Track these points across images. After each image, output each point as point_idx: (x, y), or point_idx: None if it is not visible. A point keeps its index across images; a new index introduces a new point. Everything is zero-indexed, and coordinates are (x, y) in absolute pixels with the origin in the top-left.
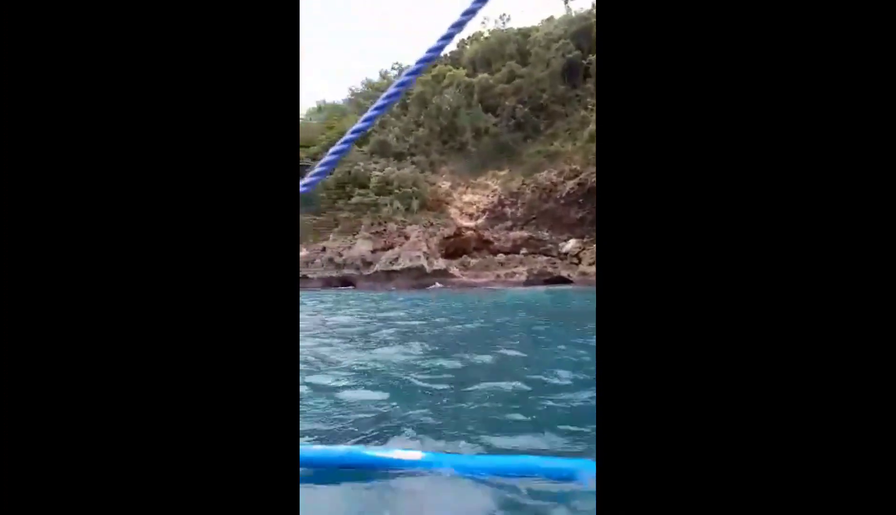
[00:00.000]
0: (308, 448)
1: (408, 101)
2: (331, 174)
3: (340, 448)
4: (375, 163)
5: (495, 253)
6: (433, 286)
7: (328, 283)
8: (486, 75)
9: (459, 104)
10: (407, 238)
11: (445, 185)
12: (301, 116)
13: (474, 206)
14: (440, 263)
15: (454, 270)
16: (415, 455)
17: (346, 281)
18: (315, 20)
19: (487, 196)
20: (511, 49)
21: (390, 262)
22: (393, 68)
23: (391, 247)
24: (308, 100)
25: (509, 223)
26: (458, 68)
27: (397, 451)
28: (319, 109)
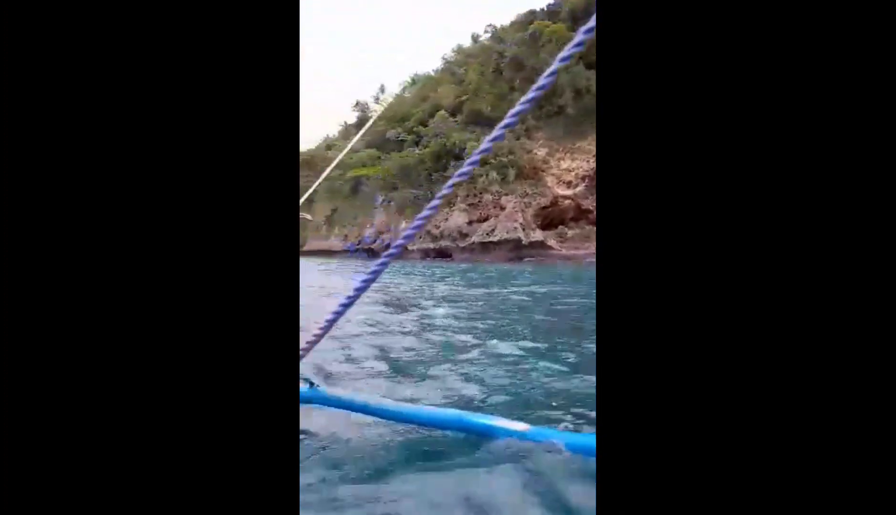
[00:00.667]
0: (420, 408)
1: (502, 65)
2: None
3: (450, 412)
4: (471, 132)
5: (594, 223)
6: (529, 258)
7: (426, 255)
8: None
9: None
10: (502, 208)
11: (542, 152)
12: (395, 91)
13: (572, 173)
14: (537, 235)
15: (552, 242)
16: (521, 426)
17: (442, 253)
18: None
19: (587, 161)
20: None
21: (486, 234)
22: (486, 31)
23: (487, 219)
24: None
25: None
26: (555, 23)
27: (503, 421)
28: (413, 82)
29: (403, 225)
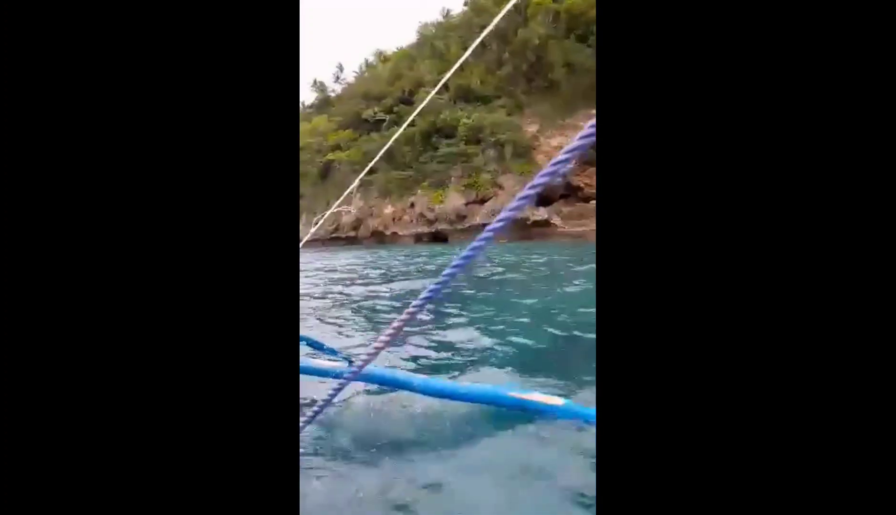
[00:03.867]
0: (455, 384)
1: (486, 38)
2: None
3: (486, 387)
4: (461, 110)
5: (586, 199)
6: (536, 238)
7: (418, 239)
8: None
9: (547, 35)
10: (501, 188)
11: (532, 129)
12: (354, 70)
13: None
14: (541, 213)
15: (556, 220)
16: (556, 401)
17: (437, 237)
18: None
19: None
20: None
21: (492, 214)
22: (465, 3)
23: (486, 200)
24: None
25: None
26: None
27: (537, 395)
28: (384, 58)
29: (390, 208)
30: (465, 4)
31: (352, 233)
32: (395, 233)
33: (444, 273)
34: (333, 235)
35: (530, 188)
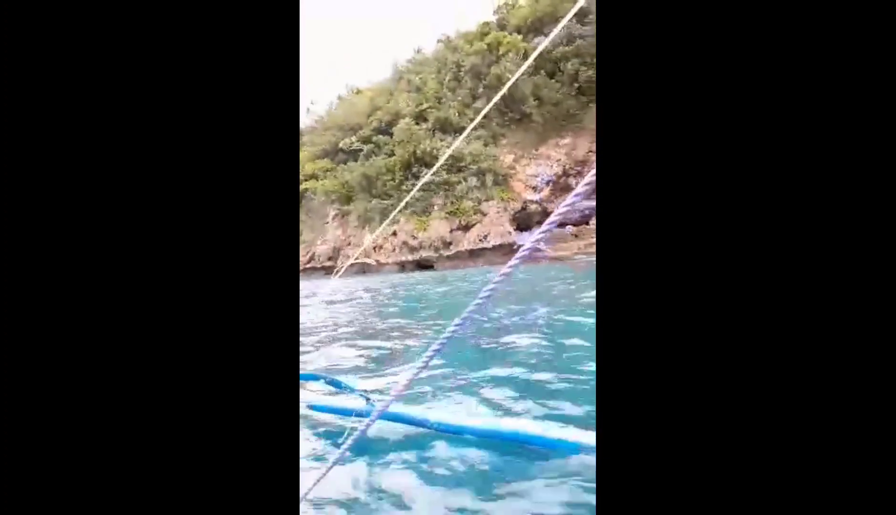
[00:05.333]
0: (476, 421)
1: (460, 75)
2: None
3: (509, 423)
4: (441, 140)
5: (562, 225)
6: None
7: (402, 267)
8: (542, 39)
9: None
10: (484, 214)
11: (508, 159)
12: (325, 105)
13: (537, 178)
14: (524, 238)
15: (541, 245)
16: (588, 437)
17: (422, 264)
18: None
19: (551, 167)
20: (566, 9)
21: (480, 240)
22: (438, 41)
23: (469, 226)
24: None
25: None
26: (510, 35)
27: (566, 430)
28: (357, 92)
29: (368, 237)
30: (439, 42)
31: (328, 263)
32: (378, 262)
33: (467, 311)
34: (308, 266)
35: (549, 222)
